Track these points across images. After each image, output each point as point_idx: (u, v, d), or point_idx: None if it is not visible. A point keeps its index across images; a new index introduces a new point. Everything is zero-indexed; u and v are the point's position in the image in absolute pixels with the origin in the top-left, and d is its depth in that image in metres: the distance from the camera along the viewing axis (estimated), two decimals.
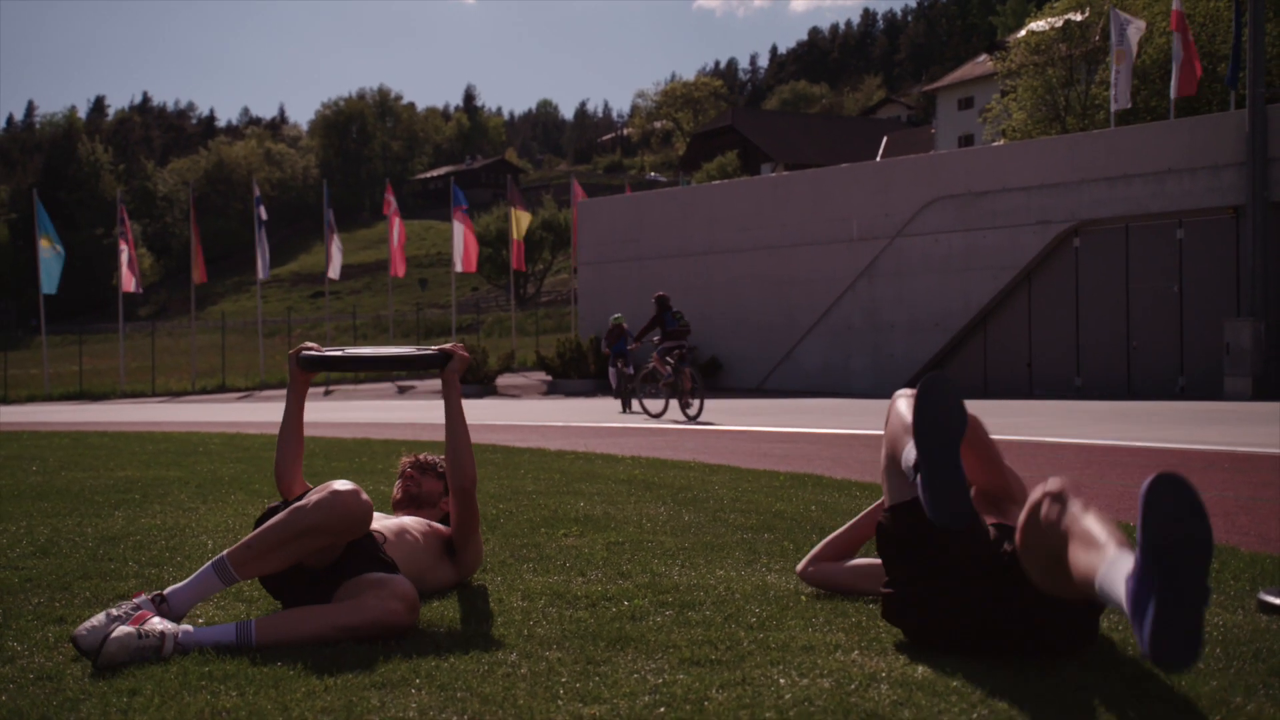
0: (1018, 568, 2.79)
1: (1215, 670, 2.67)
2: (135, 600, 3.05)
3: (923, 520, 2.86)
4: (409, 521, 3.71)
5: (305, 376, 3.78)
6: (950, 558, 2.85)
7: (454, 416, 3.72)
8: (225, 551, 3.18)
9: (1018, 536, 2.67)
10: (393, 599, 3.11)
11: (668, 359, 15.39)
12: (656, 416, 15.28)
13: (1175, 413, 13.71)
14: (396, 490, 3.97)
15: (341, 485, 3.20)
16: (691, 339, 24.86)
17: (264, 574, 3.21)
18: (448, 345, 3.79)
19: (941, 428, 2.81)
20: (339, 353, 3.81)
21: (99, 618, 2.96)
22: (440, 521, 3.89)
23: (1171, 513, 2.21)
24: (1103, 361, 20.23)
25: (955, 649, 2.84)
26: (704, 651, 2.87)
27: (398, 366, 3.83)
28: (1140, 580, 2.21)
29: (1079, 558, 2.46)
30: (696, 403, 14.73)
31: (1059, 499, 2.60)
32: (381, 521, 3.62)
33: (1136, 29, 23.22)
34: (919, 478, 2.80)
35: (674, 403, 15.75)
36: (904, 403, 3.12)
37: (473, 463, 3.71)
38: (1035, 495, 2.66)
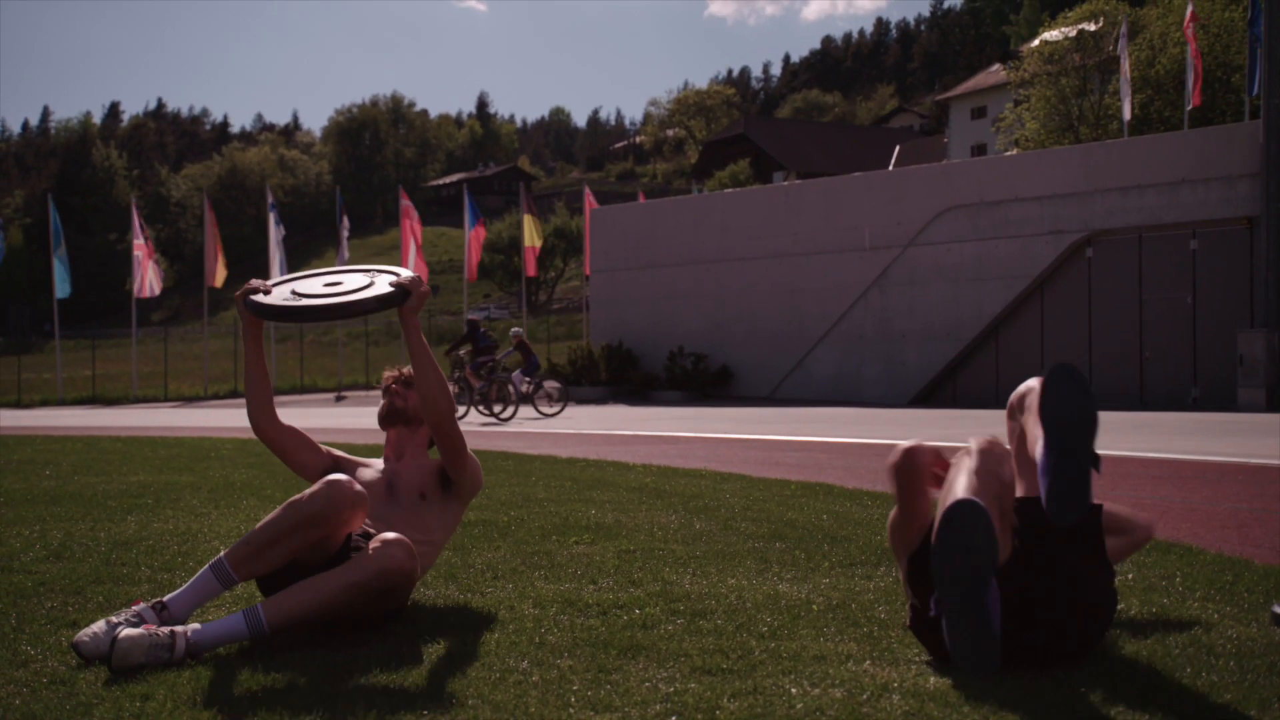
0: (1029, 568, 2.83)
1: (1229, 684, 2.66)
2: (135, 608, 3.05)
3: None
4: (400, 471, 3.68)
5: (255, 320, 3.62)
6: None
7: (418, 353, 3.58)
8: (223, 553, 3.20)
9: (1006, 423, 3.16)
10: (388, 546, 3.16)
11: (480, 372, 18.54)
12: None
13: (1188, 424, 13.66)
14: (382, 408, 3.84)
15: (334, 476, 3.25)
16: (704, 347, 25.05)
17: (263, 572, 3.21)
18: (404, 278, 3.62)
19: (967, 573, 2.58)
20: (289, 299, 3.56)
21: (99, 625, 2.96)
22: (429, 446, 3.83)
23: (1064, 394, 2.68)
24: (1115, 372, 20.15)
25: None
26: (715, 660, 2.87)
27: (353, 314, 3.55)
28: (1043, 450, 2.67)
29: (1029, 429, 2.92)
30: (511, 408, 17.88)
31: (1030, 381, 3.07)
32: (369, 476, 3.63)
33: (1124, 49, 23.26)
34: (944, 621, 2.62)
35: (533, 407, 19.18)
36: (963, 481, 2.87)
37: (445, 394, 3.60)
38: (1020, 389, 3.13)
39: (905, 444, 3.15)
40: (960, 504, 2.59)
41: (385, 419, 3.81)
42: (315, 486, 3.22)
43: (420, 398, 3.60)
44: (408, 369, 3.85)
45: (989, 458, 2.93)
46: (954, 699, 2.55)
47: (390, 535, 3.23)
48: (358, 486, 3.24)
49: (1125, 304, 20.11)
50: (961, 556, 2.56)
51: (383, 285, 3.60)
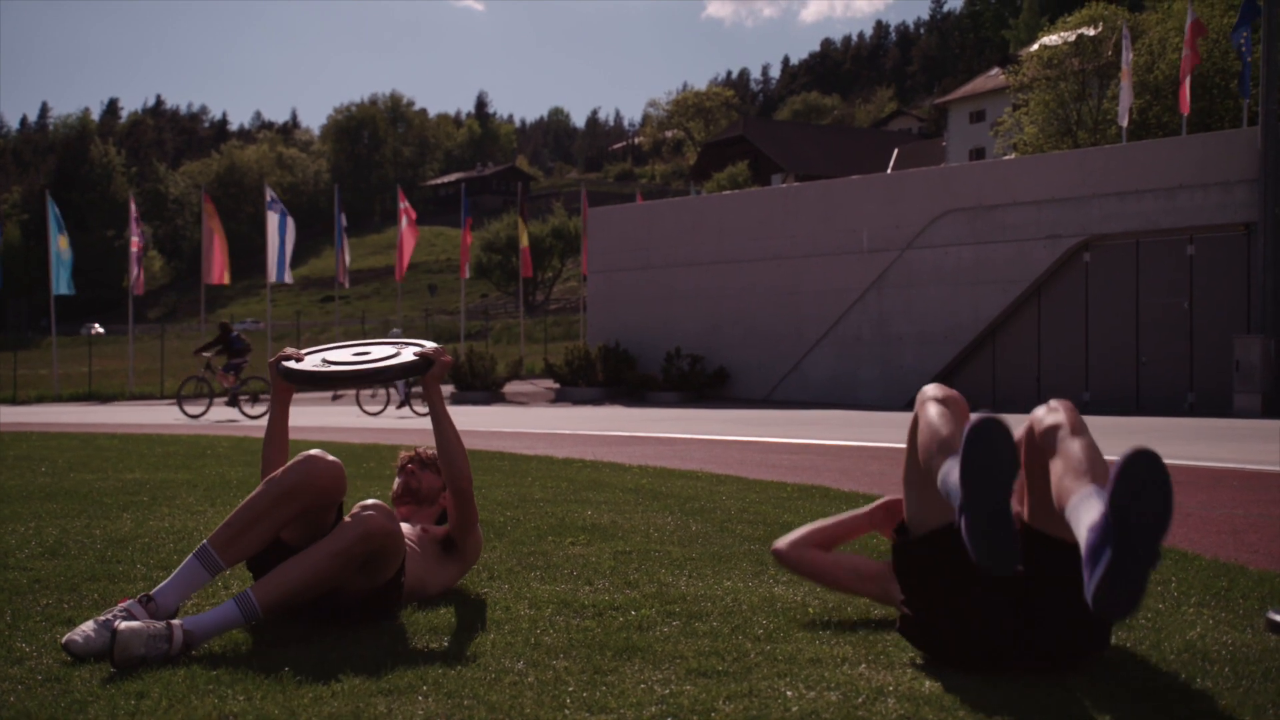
0: (1036, 576, 2.82)
1: (1224, 690, 2.66)
2: (123, 605, 3.05)
3: (958, 549, 2.76)
4: (404, 529, 3.72)
5: (287, 385, 3.75)
6: (977, 580, 2.82)
7: (440, 420, 3.68)
8: (206, 539, 3.20)
9: (1020, 454, 2.84)
10: (366, 510, 3.18)
11: (230, 373, 20.09)
12: (195, 418, 19.15)
13: (1184, 429, 13.68)
14: (396, 486, 3.92)
15: (311, 451, 3.30)
16: (701, 348, 25.05)
17: (249, 554, 3.22)
18: (428, 349, 3.73)
19: (992, 476, 2.61)
20: (319, 366, 3.74)
21: (88, 625, 2.96)
22: (436, 521, 3.89)
23: (1142, 486, 2.40)
24: (1112, 376, 20.17)
25: (974, 668, 2.83)
26: (711, 663, 2.87)
27: (379, 381, 3.76)
28: (1100, 535, 2.41)
29: (1060, 480, 2.69)
30: (260, 408, 19.52)
31: (1055, 412, 2.86)
32: None
33: (1129, 54, 23.31)
34: (964, 521, 2.64)
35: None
36: (935, 409, 2.98)
37: (467, 463, 3.68)
38: (1037, 411, 2.91)
39: (776, 545, 3.59)
40: (983, 420, 2.63)
41: (399, 498, 3.91)
42: (292, 460, 3.26)
43: (444, 464, 3.69)
44: (424, 449, 3.98)
45: (952, 403, 3.03)
46: (949, 703, 2.56)
47: (368, 501, 3.24)
48: (331, 458, 3.27)
49: (1122, 309, 20.13)
50: (986, 466, 2.60)
51: (408, 355, 3.78)
